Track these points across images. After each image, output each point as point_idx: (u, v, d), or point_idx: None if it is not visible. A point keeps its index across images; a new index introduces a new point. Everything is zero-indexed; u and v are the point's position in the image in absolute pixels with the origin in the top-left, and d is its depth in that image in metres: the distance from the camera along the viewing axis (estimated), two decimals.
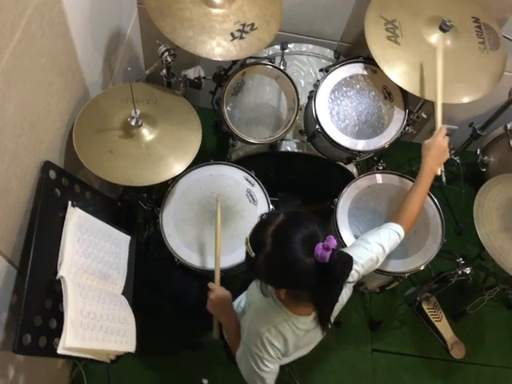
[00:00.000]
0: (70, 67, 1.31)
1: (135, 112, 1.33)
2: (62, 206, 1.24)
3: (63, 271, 1.15)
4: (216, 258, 1.42)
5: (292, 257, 0.94)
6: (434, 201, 1.59)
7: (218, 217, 1.44)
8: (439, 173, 1.36)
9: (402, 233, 1.27)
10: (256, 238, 1.00)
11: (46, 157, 1.24)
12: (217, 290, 1.33)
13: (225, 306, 1.34)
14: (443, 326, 2.05)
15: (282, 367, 1.23)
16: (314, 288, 0.97)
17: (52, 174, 1.23)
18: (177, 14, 1.34)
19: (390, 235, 1.26)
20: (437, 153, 1.34)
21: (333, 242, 0.91)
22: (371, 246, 1.22)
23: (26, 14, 1.01)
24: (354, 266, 1.11)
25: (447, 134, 1.39)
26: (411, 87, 1.48)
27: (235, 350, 1.24)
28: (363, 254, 1.20)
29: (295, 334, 1.12)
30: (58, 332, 1.08)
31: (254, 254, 0.98)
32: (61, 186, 1.26)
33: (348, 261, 0.96)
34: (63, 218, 1.22)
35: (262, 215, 1.06)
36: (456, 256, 1.79)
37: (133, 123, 1.34)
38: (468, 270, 1.71)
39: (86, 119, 1.37)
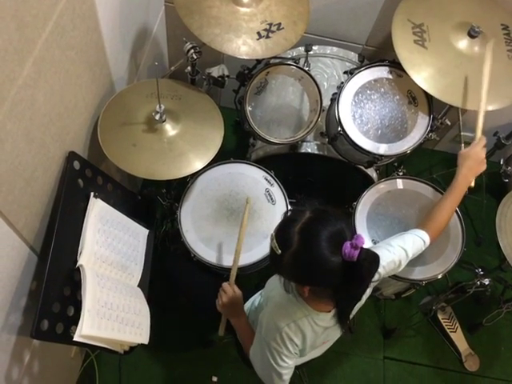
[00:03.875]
0: (98, 61, 1.34)
1: (160, 107, 1.34)
2: (84, 196, 1.26)
3: (83, 260, 1.17)
4: (235, 258, 1.41)
5: (319, 255, 0.93)
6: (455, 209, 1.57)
7: (244, 217, 1.41)
8: (473, 184, 1.33)
9: (428, 240, 1.25)
10: (282, 235, 0.99)
11: (71, 147, 1.26)
12: (230, 292, 1.33)
13: (236, 308, 1.34)
14: (458, 338, 2.02)
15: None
16: (338, 286, 0.97)
17: (76, 164, 1.26)
18: (204, 11, 1.36)
19: (415, 240, 1.24)
20: (474, 163, 1.31)
21: (361, 241, 0.91)
22: (394, 249, 1.20)
23: (58, 6, 1.03)
24: None
25: (468, 143, 1.37)
26: (437, 92, 1.46)
27: (248, 349, 1.24)
28: (385, 256, 1.18)
29: (314, 331, 1.11)
30: (74, 320, 1.10)
31: (280, 251, 0.97)
32: (84, 177, 1.28)
33: (375, 259, 0.95)
34: (85, 209, 1.24)
35: (287, 212, 1.05)
36: (475, 266, 1.76)
37: (157, 118, 1.35)
38: (486, 282, 1.67)
39: (111, 113, 1.39)
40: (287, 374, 1.15)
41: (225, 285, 1.36)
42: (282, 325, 1.09)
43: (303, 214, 0.99)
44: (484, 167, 1.33)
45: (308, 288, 1.01)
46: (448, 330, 2.02)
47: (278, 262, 1.00)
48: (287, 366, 1.13)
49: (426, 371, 1.99)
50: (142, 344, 1.27)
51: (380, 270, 1.16)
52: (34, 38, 0.96)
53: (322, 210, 1.00)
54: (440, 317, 2.03)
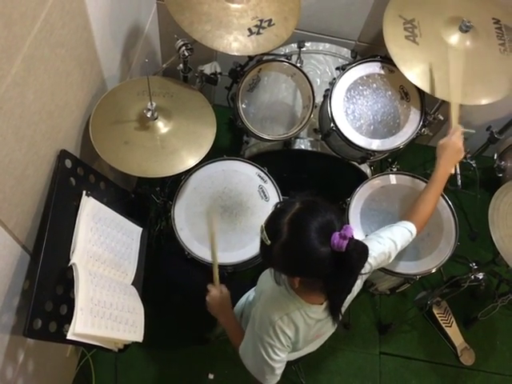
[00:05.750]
0: (88, 59, 1.33)
1: (151, 104, 1.34)
2: (76, 194, 1.26)
3: (75, 259, 1.17)
4: (214, 258, 1.40)
5: (308, 245, 0.93)
6: (448, 203, 1.57)
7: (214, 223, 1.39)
8: (453, 171, 1.35)
9: (415, 231, 1.26)
10: (272, 225, 0.99)
11: (63, 146, 1.26)
12: (213, 291, 1.33)
13: (222, 307, 1.33)
14: (453, 332, 2.02)
15: (288, 365, 1.22)
16: (328, 277, 0.97)
17: (68, 163, 1.25)
18: (195, 7, 1.35)
19: (403, 233, 1.25)
20: (451, 153, 1.33)
21: (350, 231, 0.91)
22: (384, 241, 1.21)
23: (47, 3, 1.02)
24: None
25: (465, 138, 1.37)
26: (429, 88, 1.46)
27: (238, 346, 1.24)
28: (376, 248, 1.19)
29: (306, 323, 1.11)
30: (68, 318, 1.10)
31: (269, 242, 0.97)
32: (76, 176, 1.28)
33: (364, 250, 0.95)
34: (77, 207, 1.24)
35: (277, 203, 1.05)
36: (469, 261, 1.76)
37: (148, 115, 1.35)
38: (481, 276, 1.68)
39: (102, 110, 1.39)
40: (279, 369, 1.16)
41: (209, 285, 1.35)
42: (275, 318, 1.09)
43: (293, 204, 0.99)
44: (462, 155, 1.35)
45: (298, 279, 1.01)
46: (443, 325, 2.02)
47: (267, 254, 1.00)
48: (280, 359, 1.13)
49: (422, 366, 1.99)
50: (137, 342, 1.27)
51: (371, 261, 1.17)
52: (23, 36, 0.96)
53: (311, 200, 1.00)
54: (435, 311, 2.03)
